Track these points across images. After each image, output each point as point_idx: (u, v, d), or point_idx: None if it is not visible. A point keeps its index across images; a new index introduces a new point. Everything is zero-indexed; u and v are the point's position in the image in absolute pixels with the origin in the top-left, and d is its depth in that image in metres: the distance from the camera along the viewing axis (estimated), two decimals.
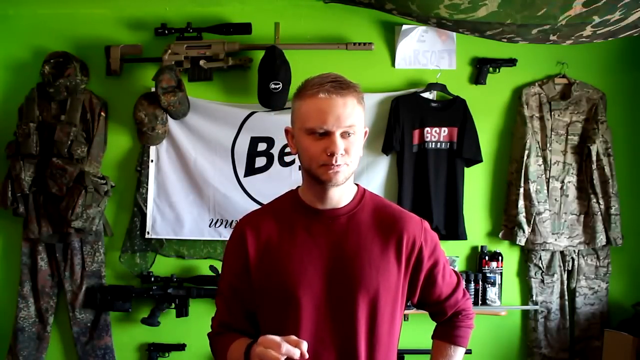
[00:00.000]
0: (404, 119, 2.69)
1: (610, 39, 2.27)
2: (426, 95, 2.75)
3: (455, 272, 1.40)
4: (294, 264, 1.22)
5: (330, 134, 1.16)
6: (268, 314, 1.26)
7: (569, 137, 2.76)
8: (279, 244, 1.25)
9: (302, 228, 1.24)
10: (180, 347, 2.75)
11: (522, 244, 2.70)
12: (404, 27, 2.75)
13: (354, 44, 2.70)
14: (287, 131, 1.27)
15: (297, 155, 1.25)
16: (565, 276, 2.76)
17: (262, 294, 1.25)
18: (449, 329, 1.39)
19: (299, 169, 1.26)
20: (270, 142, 2.76)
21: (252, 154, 2.77)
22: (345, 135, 1.17)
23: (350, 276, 1.22)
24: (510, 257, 2.79)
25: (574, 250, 2.76)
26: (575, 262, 2.76)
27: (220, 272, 1.37)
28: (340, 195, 1.25)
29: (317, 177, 1.19)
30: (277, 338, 1.06)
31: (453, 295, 1.36)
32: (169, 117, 2.73)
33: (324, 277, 1.22)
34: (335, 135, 1.16)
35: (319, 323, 1.22)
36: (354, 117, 1.18)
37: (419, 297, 1.33)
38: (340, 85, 1.18)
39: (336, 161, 1.16)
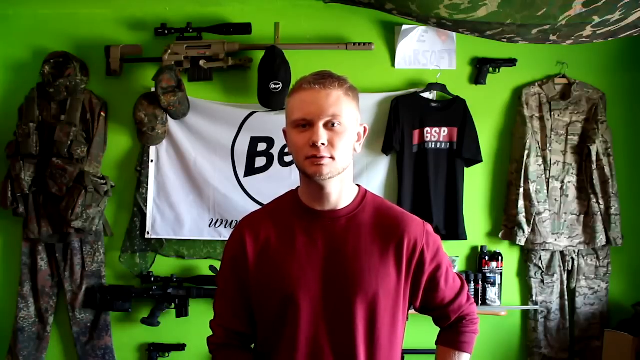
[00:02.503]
0: (404, 119, 2.69)
1: (610, 39, 2.27)
2: (426, 95, 2.75)
3: (459, 276, 1.37)
4: (293, 266, 1.21)
5: (312, 124, 1.16)
6: (266, 316, 1.25)
7: (569, 137, 2.76)
8: (277, 246, 1.23)
9: (301, 230, 1.23)
10: (180, 347, 2.75)
11: (522, 244, 2.70)
12: (404, 27, 2.75)
13: (354, 44, 2.70)
14: (284, 132, 1.27)
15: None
16: (565, 276, 2.76)
17: (261, 297, 1.24)
18: (453, 335, 1.36)
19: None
20: (270, 142, 2.76)
21: (252, 154, 2.77)
22: (328, 125, 1.16)
23: (348, 280, 1.20)
24: (510, 257, 2.79)
25: (574, 250, 2.76)
26: (575, 262, 2.76)
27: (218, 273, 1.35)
28: (339, 196, 1.23)
29: (305, 172, 1.18)
30: None
31: (457, 299, 1.33)
32: (169, 117, 2.73)
33: (322, 280, 1.21)
34: (317, 125, 1.15)
35: (317, 327, 1.20)
36: (339, 108, 1.17)
37: (422, 302, 1.31)
38: (322, 77, 1.18)
39: (319, 152, 1.14)
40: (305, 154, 1.17)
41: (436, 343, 1.39)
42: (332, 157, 1.16)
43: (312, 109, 1.16)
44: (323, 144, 1.15)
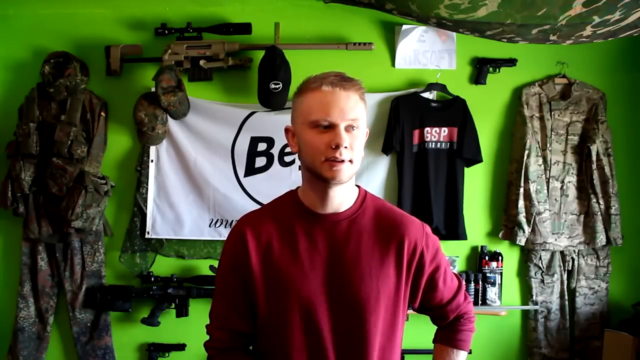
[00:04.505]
0: (404, 119, 2.69)
1: (610, 39, 2.27)
2: (426, 95, 2.75)
3: (456, 275, 1.38)
4: (295, 270, 1.20)
5: (334, 126, 1.15)
6: (268, 320, 1.24)
7: (569, 137, 2.76)
8: (280, 249, 1.22)
9: (303, 233, 1.22)
10: (180, 347, 2.75)
11: (522, 244, 2.70)
12: (404, 27, 2.75)
13: (354, 44, 2.70)
14: (287, 130, 1.25)
15: (297, 154, 1.23)
16: (565, 276, 2.76)
17: (263, 301, 1.23)
18: (450, 333, 1.37)
19: (299, 169, 1.24)
20: (270, 142, 2.76)
21: (252, 154, 2.77)
22: (349, 129, 1.16)
23: (350, 283, 1.20)
24: (510, 257, 2.79)
25: (574, 250, 2.76)
26: (575, 262, 2.76)
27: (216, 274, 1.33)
28: (342, 198, 1.23)
29: (320, 174, 1.16)
30: None
31: (454, 299, 1.34)
32: (169, 117, 2.73)
33: (324, 283, 1.21)
34: (339, 127, 1.15)
35: (320, 331, 1.20)
36: (357, 112, 1.18)
37: (420, 302, 1.32)
38: (343, 79, 1.18)
39: (341, 155, 1.14)
40: (325, 156, 1.15)
41: (434, 341, 1.40)
42: (351, 161, 1.17)
43: (335, 111, 1.15)
44: (346, 147, 1.15)
